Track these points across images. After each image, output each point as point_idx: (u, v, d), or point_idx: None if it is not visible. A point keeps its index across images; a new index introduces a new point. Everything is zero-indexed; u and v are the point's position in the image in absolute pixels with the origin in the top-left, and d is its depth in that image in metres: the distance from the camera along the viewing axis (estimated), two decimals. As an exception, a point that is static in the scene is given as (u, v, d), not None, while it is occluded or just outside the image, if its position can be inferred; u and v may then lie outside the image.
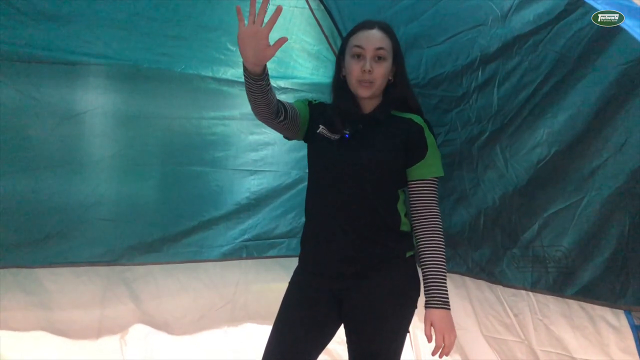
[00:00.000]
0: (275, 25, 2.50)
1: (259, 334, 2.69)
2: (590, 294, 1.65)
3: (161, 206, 2.51)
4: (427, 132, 1.76)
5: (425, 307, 1.69)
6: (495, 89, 1.89)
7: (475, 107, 1.99)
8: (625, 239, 1.53)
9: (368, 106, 1.83)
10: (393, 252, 1.75)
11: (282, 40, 1.55)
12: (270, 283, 2.72)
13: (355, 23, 2.51)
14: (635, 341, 1.56)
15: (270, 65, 2.59)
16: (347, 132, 1.78)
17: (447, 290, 1.69)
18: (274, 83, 2.65)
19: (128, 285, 2.46)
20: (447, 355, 1.68)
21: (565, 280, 1.73)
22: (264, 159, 2.73)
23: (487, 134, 1.94)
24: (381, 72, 1.75)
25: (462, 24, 2.01)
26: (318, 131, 1.82)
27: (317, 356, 1.85)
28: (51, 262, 2.29)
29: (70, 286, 2.34)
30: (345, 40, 1.85)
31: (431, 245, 1.70)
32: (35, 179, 2.24)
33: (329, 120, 1.82)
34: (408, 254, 1.78)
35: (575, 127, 1.63)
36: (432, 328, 1.66)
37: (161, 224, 2.50)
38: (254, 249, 2.70)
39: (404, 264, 1.77)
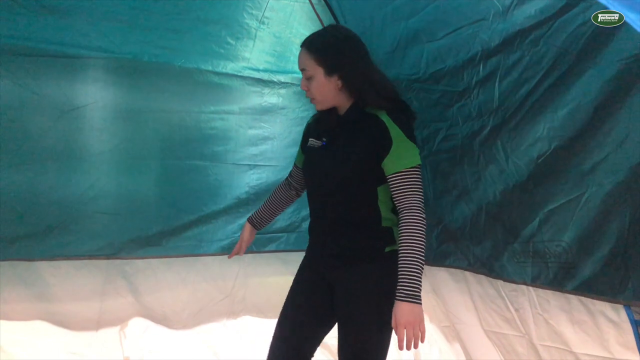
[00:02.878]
0: (276, 19, 2.53)
1: (257, 327, 2.71)
2: (590, 288, 1.65)
3: (160, 200, 2.52)
4: (390, 126, 1.75)
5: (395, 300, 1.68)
6: (497, 84, 1.88)
7: (477, 102, 1.98)
8: (625, 235, 1.53)
9: (343, 109, 1.87)
10: (371, 247, 1.82)
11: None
12: (269, 277, 2.73)
13: (356, 17, 2.55)
14: (635, 336, 1.57)
15: (270, 59, 2.66)
16: (325, 140, 1.90)
17: (416, 284, 1.63)
18: (274, 78, 2.68)
19: (127, 278, 2.47)
20: (416, 347, 1.65)
21: (565, 275, 1.74)
22: (263, 153, 2.73)
23: (489, 128, 1.94)
24: (314, 88, 1.81)
25: (463, 18, 2.00)
26: (308, 144, 1.97)
27: (320, 339, 1.99)
28: (51, 255, 2.30)
29: (70, 279, 2.35)
30: None
31: (405, 238, 1.69)
32: (35, 172, 2.24)
33: (313, 132, 1.98)
34: (388, 249, 1.81)
35: (576, 123, 1.63)
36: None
37: (160, 218, 2.51)
38: (253, 243, 2.70)
39: (382, 259, 1.81)
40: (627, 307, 1.57)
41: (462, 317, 2.25)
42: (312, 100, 1.86)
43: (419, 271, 1.65)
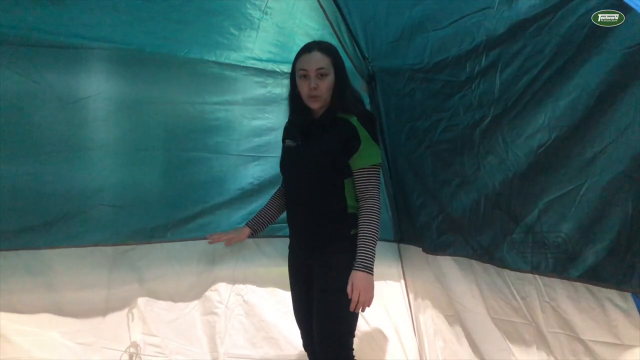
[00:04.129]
0: (279, 10, 2.55)
1: (260, 308, 2.80)
2: (594, 276, 1.65)
3: (165, 191, 2.53)
4: (359, 129, 2.05)
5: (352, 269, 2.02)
6: (498, 74, 1.87)
7: (478, 92, 1.97)
8: (628, 223, 1.51)
9: (318, 112, 2.15)
10: (338, 231, 2.11)
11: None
12: (271, 263, 2.75)
13: (359, 9, 2.54)
14: (643, 323, 1.56)
15: (273, 50, 2.66)
16: (300, 140, 2.18)
17: (371, 258, 2.01)
18: (277, 68, 2.68)
19: (133, 264, 2.49)
20: (363, 311, 2.02)
21: (564, 265, 1.73)
22: (267, 144, 2.74)
23: (489, 119, 1.93)
24: (325, 86, 2.07)
25: (468, 7, 1.98)
26: (285, 145, 2.28)
27: None
28: (56, 246, 2.30)
29: (76, 267, 2.36)
30: (293, 64, 2.15)
31: (363, 222, 2.06)
32: (39, 164, 2.25)
33: (289, 133, 2.27)
34: (353, 232, 2.10)
35: (577, 112, 1.61)
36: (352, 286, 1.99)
37: (165, 210, 2.52)
38: (257, 233, 2.72)
39: (348, 240, 2.09)
40: (634, 295, 1.56)
41: (468, 305, 2.25)
42: (316, 98, 2.07)
43: (374, 247, 2.03)
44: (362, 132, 2.05)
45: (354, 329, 2.11)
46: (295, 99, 2.19)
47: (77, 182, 2.33)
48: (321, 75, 2.05)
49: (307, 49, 2.10)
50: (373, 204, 2.06)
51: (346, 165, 2.08)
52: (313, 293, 2.13)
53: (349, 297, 1.98)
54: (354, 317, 2.09)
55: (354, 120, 2.07)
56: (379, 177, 2.12)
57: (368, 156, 2.07)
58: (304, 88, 2.09)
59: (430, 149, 2.29)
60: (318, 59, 2.06)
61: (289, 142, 2.24)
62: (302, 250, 2.22)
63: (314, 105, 2.10)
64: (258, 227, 2.46)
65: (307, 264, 2.19)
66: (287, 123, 2.32)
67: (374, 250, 2.03)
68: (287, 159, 2.26)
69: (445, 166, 2.22)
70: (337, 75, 2.08)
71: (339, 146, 2.05)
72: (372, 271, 2.01)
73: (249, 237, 2.48)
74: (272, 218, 2.48)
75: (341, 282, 2.03)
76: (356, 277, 1.99)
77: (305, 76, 2.07)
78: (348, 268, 2.03)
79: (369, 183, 2.08)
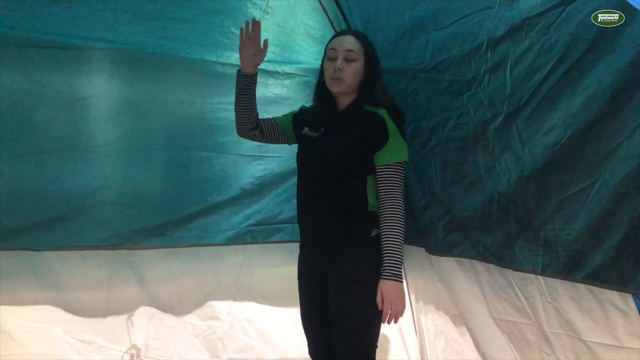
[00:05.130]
0: (280, 9, 2.55)
1: (263, 314, 2.77)
2: (599, 277, 1.64)
3: (166, 191, 2.53)
4: (388, 123, 1.94)
5: (380, 279, 1.89)
6: (508, 72, 1.87)
7: (488, 90, 1.96)
8: (636, 223, 1.52)
9: (344, 103, 2.05)
10: (357, 230, 1.97)
11: (266, 42, 2.05)
12: (274, 267, 2.75)
13: (360, 9, 2.55)
14: (643, 325, 1.56)
15: (274, 50, 2.65)
16: (323, 130, 2.05)
17: (398, 264, 1.88)
18: (278, 68, 2.67)
19: (133, 268, 2.49)
20: (395, 322, 1.89)
21: (575, 264, 1.72)
22: (268, 144, 2.72)
23: (502, 116, 1.92)
24: (351, 70, 1.98)
25: (468, 6, 1.99)
26: (302, 132, 2.12)
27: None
28: (58, 245, 2.31)
29: (78, 269, 2.37)
30: (325, 49, 2.07)
31: (387, 225, 1.91)
32: (40, 163, 2.25)
33: (310, 121, 2.11)
34: (374, 233, 1.96)
35: (591, 110, 1.61)
36: (382, 297, 1.87)
37: (166, 209, 2.52)
38: (258, 234, 2.72)
39: (368, 242, 1.96)
40: (635, 295, 1.56)
41: (471, 306, 2.25)
42: (338, 80, 1.98)
43: (401, 252, 1.89)
44: (391, 126, 1.94)
45: (377, 340, 1.98)
46: (321, 87, 2.10)
47: (78, 181, 2.33)
48: (349, 59, 1.98)
49: (341, 32, 2.09)
50: (396, 205, 1.92)
51: (370, 160, 1.96)
52: (327, 299, 2.01)
53: (380, 309, 1.87)
54: (377, 329, 1.97)
55: (383, 112, 1.96)
56: (403, 176, 1.98)
57: (394, 152, 1.93)
58: (329, 69, 2.00)
59: (437, 148, 2.28)
60: (350, 41, 2.00)
61: (308, 131, 2.10)
62: (313, 250, 2.08)
63: (336, 89, 2.00)
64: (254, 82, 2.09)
65: (318, 267, 2.05)
66: (310, 107, 2.21)
67: (402, 256, 1.90)
68: (307, 149, 2.11)
69: (455, 165, 2.20)
70: (367, 65, 2.00)
71: (364, 139, 1.94)
72: (402, 278, 1.89)
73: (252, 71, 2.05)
74: (252, 103, 2.12)
75: (362, 293, 1.91)
76: (386, 288, 1.86)
77: (333, 58, 2.00)
78: (369, 275, 1.91)
79: (392, 181, 1.93)
